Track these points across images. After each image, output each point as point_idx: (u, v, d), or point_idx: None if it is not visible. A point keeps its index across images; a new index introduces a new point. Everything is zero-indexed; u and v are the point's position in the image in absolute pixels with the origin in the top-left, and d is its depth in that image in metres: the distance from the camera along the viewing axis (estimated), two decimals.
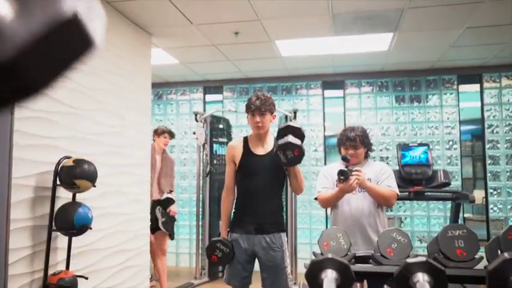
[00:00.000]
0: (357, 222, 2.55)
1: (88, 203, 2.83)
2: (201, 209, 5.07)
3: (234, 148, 2.67)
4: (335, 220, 2.68)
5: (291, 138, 2.35)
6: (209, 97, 6.03)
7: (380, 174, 2.63)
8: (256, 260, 2.59)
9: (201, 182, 5.10)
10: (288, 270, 2.58)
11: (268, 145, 2.64)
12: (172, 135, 4.49)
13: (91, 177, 2.48)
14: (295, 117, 4.74)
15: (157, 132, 4.34)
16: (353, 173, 2.44)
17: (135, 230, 3.55)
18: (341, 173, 2.42)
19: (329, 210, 3.03)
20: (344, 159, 2.58)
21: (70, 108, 2.76)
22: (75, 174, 2.41)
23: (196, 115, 5.02)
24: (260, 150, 2.63)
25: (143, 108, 3.77)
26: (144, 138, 3.79)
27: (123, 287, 3.32)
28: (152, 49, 4.23)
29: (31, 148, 2.42)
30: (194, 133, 5.06)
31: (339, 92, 5.59)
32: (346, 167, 2.50)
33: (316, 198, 2.69)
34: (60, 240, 2.61)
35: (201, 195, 5.09)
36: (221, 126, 5.41)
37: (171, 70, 5.30)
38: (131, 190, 3.51)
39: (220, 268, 4.63)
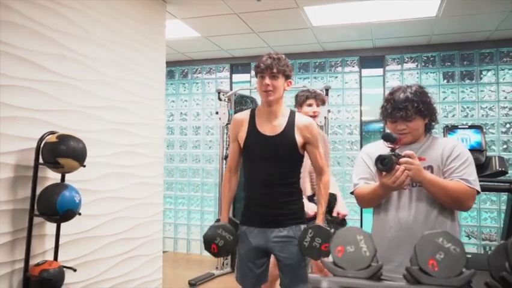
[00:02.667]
0: (407, 234, 1.69)
1: (85, 186, 2.54)
2: None
3: (239, 123, 2.22)
4: (376, 229, 1.86)
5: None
6: (236, 77, 5.63)
7: (448, 158, 1.72)
8: None
9: (224, 165, 4.73)
10: (309, 268, 2.17)
11: (280, 122, 2.15)
12: (322, 101, 3.15)
13: (78, 155, 2.14)
14: (327, 96, 4.25)
15: (299, 101, 3.09)
16: (401, 159, 1.62)
17: (144, 217, 3.23)
18: (380, 160, 1.63)
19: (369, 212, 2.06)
20: (387, 137, 1.69)
21: (62, 77, 2.43)
22: (58, 151, 2.08)
23: (219, 93, 4.65)
24: (269, 129, 2.15)
25: (155, 84, 3.42)
26: (157, 116, 3.44)
27: (128, 279, 3.02)
28: (170, 20, 3.88)
29: (11, 121, 2.11)
30: (217, 113, 4.69)
31: (378, 71, 5.01)
32: (392, 150, 1.68)
33: (352, 193, 1.92)
34: (50, 226, 2.32)
35: None
36: (247, 106, 4.99)
37: (194, 45, 4.93)
38: (140, 173, 3.18)
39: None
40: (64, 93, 2.45)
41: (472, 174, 1.68)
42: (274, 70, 2.06)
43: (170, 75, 5.78)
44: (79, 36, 2.57)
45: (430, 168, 1.73)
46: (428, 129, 1.84)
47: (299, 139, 2.12)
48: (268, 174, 2.12)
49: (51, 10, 2.37)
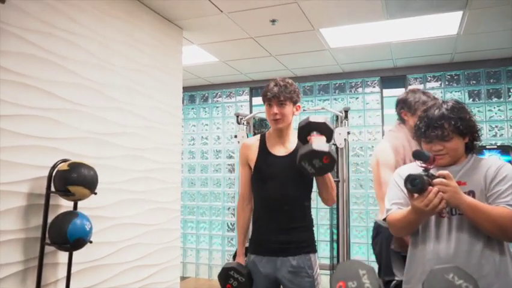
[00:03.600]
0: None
1: (98, 213, 2.54)
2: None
3: (249, 147, 2.19)
4: (412, 262, 1.67)
5: (315, 145, 1.79)
6: (256, 100, 5.63)
7: (493, 181, 1.53)
8: None
9: None
10: None
11: (291, 144, 2.12)
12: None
13: (89, 183, 2.14)
14: (346, 117, 4.16)
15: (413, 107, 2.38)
16: (435, 180, 1.46)
17: (160, 243, 3.20)
18: (410, 180, 1.46)
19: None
20: (419, 156, 1.51)
21: (74, 105, 2.47)
22: (69, 179, 2.09)
23: (238, 117, 4.63)
24: (280, 150, 2.12)
25: (172, 109, 3.44)
26: (173, 141, 3.44)
27: None
28: (188, 46, 3.94)
29: (24, 150, 2.14)
30: (235, 136, 4.67)
31: (400, 90, 4.89)
32: (425, 169, 1.51)
33: (385, 220, 1.74)
34: (62, 255, 2.31)
35: None
36: (267, 128, 4.95)
37: (213, 70, 4.97)
38: (155, 198, 3.17)
39: None
40: (78, 120, 2.48)
41: None
42: (282, 98, 2.03)
43: (191, 99, 5.84)
44: (92, 63, 2.62)
45: (472, 193, 1.54)
46: (469, 149, 1.64)
47: None
48: (278, 196, 2.05)
49: (63, 40, 2.42)
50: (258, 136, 2.23)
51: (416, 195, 1.47)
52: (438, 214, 1.57)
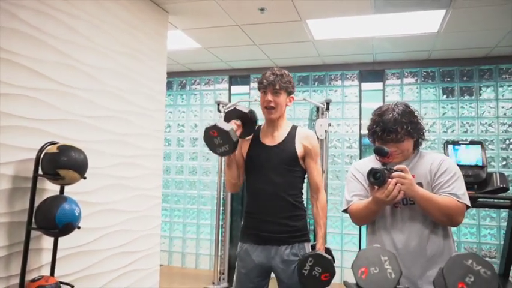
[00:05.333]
0: (400, 253, 1.66)
1: (83, 198, 2.47)
2: (221, 208, 4.63)
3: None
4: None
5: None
6: (235, 89, 5.60)
7: (436, 173, 1.72)
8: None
9: (222, 178, 4.67)
10: None
11: (281, 134, 2.16)
12: None
13: (79, 167, 2.08)
14: (327, 109, 4.23)
15: None
16: (394, 173, 1.61)
17: (142, 230, 3.15)
18: (372, 174, 1.61)
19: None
20: (379, 152, 1.68)
21: (61, 86, 2.37)
22: (59, 163, 2.02)
23: (218, 105, 4.61)
24: (269, 140, 2.15)
25: (156, 94, 3.37)
26: (157, 127, 3.38)
27: None
28: (171, 31, 3.85)
29: (10, 131, 2.04)
30: None
31: (378, 85, 5.01)
32: (383, 164, 1.67)
33: (345, 211, 1.87)
34: (46, 240, 2.24)
35: (222, 193, 4.66)
36: None
37: (194, 56, 4.90)
38: (139, 185, 3.11)
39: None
40: (64, 102, 2.39)
41: (460, 188, 1.68)
42: (277, 87, 2.06)
43: (168, 86, 5.72)
44: (81, 44, 2.52)
45: (420, 184, 1.71)
46: (416, 146, 1.83)
47: (299, 149, 2.11)
48: (269, 185, 2.08)
49: (53, 18, 2.32)
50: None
51: (377, 187, 1.62)
52: (393, 205, 1.73)
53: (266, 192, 2.09)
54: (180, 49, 4.55)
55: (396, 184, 1.59)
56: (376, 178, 1.60)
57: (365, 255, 1.05)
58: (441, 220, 1.67)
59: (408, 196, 1.66)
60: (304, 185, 2.25)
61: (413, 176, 1.67)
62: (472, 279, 0.96)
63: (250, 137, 2.20)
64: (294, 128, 2.19)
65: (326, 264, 1.88)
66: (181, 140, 5.67)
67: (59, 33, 2.35)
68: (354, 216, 1.83)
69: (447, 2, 3.19)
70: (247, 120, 2.09)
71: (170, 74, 5.58)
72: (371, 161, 1.84)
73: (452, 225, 1.74)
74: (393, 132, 1.72)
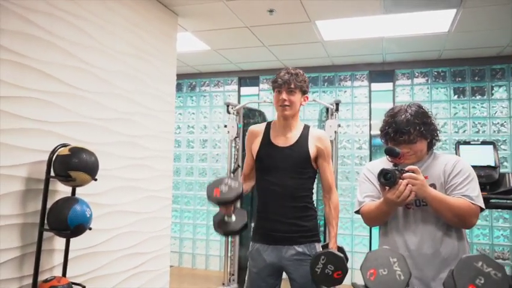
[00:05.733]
0: (412, 256, 1.67)
1: (94, 199, 2.49)
2: None
3: (254, 135, 2.21)
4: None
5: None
6: (244, 90, 5.61)
7: (450, 175, 1.69)
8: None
9: None
10: None
11: (294, 134, 2.14)
12: None
13: (90, 169, 2.10)
14: (337, 110, 4.21)
15: None
16: (405, 174, 1.59)
17: (152, 231, 3.17)
18: (383, 174, 1.59)
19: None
20: (390, 152, 1.66)
21: (71, 88, 2.40)
22: (70, 165, 2.04)
23: (228, 106, 4.61)
24: (282, 141, 2.14)
25: (166, 96, 3.39)
26: (167, 129, 3.40)
27: None
28: (181, 33, 3.87)
29: (23, 133, 2.08)
30: (225, 126, 4.65)
31: (388, 85, 4.98)
32: (394, 165, 1.65)
33: (358, 212, 1.87)
34: (58, 241, 2.27)
35: None
36: (255, 119, 4.96)
37: (203, 58, 4.92)
38: (149, 186, 3.14)
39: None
40: (74, 105, 2.41)
41: (474, 190, 1.64)
42: (292, 85, 2.05)
43: (178, 88, 5.73)
44: (91, 46, 2.55)
45: (433, 186, 1.69)
46: (430, 147, 1.80)
47: (312, 150, 2.11)
48: (280, 187, 2.08)
49: (64, 21, 2.35)
50: (264, 124, 2.25)
51: (388, 188, 1.60)
52: (405, 206, 1.71)
53: (277, 193, 2.09)
54: (190, 51, 4.57)
55: (407, 185, 1.56)
56: (387, 179, 1.58)
57: (374, 256, 1.04)
58: (454, 222, 1.64)
59: (419, 197, 1.63)
60: (315, 185, 2.25)
61: (426, 177, 1.66)
62: (482, 281, 0.95)
63: (261, 134, 2.19)
64: (306, 128, 2.17)
65: (338, 262, 1.87)
66: (190, 142, 5.69)
67: (69, 35, 2.38)
68: (366, 217, 1.83)
69: (457, 1, 3.16)
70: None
71: (180, 76, 5.63)
72: (384, 162, 1.82)
73: (466, 227, 1.71)
74: (406, 133, 1.69)
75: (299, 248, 2.04)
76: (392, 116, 1.77)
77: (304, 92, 2.12)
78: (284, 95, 2.06)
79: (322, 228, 4.04)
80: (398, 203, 1.59)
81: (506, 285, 0.95)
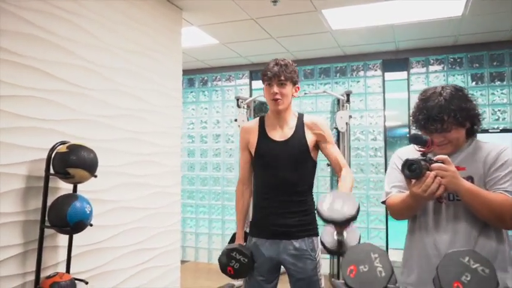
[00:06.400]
0: (441, 256, 1.31)
1: (98, 196, 2.51)
2: None
3: (249, 131, 2.16)
4: (409, 249, 1.64)
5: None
6: (256, 83, 5.56)
7: (492, 166, 1.48)
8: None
9: None
10: (322, 283, 2.05)
11: (289, 127, 2.09)
12: None
13: (88, 166, 2.10)
14: (348, 101, 4.12)
15: None
16: (433, 165, 1.39)
17: (161, 227, 3.18)
18: (408, 165, 1.39)
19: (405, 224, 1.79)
20: (416, 140, 1.45)
21: (74, 86, 2.41)
22: (69, 161, 2.04)
23: (238, 100, 4.59)
24: (278, 135, 2.09)
25: (171, 92, 3.37)
26: (173, 124, 3.39)
27: None
28: (187, 28, 3.85)
29: (23, 132, 2.09)
30: (236, 120, 4.62)
31: (402, 74, 4.83)
32: (423, 154, 1.45)
33: (384, 202, 1.71)
34: (62, 238, 2.28)
35: None
36: (267, 112, 4.90)
37: (213, 52, 4.89)
38: (156, 182, 3.13)
39: None
40: (77, 103, 2.42)
41: None
42: (282, 78, 2.00)
43: (190, 83, 5.77)
44: (91, 44, 2.55)
45: (470, 178, 1.48)
46: (469, 133, 1.56)
47: (310, 139, 2.06)
48: (279, 181, 2.04)
49: (64, 19, 2.35)
50: (257, 119, 2.20)
51: (413, 180, 1.41)
52: (437, 199, 1.52)
53: (276, 187, 2.05)
54: (198, 46, 4.55)
55: (435, 177, 1.36)
56: (412, 170, 1.38)
57: (354, 252, 0.99)
58: (490, 220, 1.44)
59: (451, 190, 1.43)
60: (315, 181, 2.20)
61: (463, 169, 1.47)
62: (468, 278, 0.88)
63: (256, 130, 2.14)
64: (300, 118, 2.12)
65: (348, 198, 1.49)
66: (204, 137, 5.69)
67: (69, 34, 2.38)
68: (391, 210, 1.67)
69: None
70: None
71: (191, 71, 5.65)
72: (415, 149, 1.56)
73: (506, 227, 1.49)
74: (438, 121, 1.47)
75: (297, 243, 2.00)
76: (423, 101, 1.55)
77: (294, 83, 2.07)
78: (275, 88, 2.01)
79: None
80: (425, 197, 1.40)
81: (494, 282, 0.88)
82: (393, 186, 1.65)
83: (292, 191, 2.02)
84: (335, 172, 2.14)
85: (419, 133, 1.49)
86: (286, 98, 2.03)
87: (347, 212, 1.34)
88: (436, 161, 1.41)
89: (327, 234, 1.49)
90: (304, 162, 2.05)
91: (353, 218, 1.35)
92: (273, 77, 2.01)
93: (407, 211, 1.58)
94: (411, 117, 1.63)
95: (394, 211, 1.65)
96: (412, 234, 1.63)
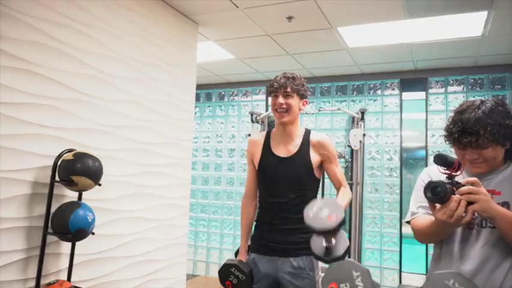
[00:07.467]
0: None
1: (104, 205, 2.53)
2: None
3: (254, 145, 2.14)
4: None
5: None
6: None
7: None
8: None
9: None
10: None
11: (294, 144, 2.04)
12: None
13: (92, 174, 2.12)
14: (362, 119, 4.07)
15: None
16: (461, 188, 1.25)
17: (167, 239, 3.17)
18: (431, 188, 1.26)
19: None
20: (440, 160, 1.30)
21: (84, 95, 2.45)
22: (73, 169, 2.07)
23: (252, 115, 4.59)
24: (282, 150, 2.05)
25: (184, 104, 3.40)
26: (184, 137, 3.41)
27: None
28: (203, 42, 3.91)
29: (30, 138, 2.13)
30: (249, 135, 4.62)
31: (420, 94, 4.75)
32: (449, 177, 1.30)
33: (409, 222, 1.56)
34: (66, 245, 2.30)
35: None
36: None
37: (230, 67, 4.93)
38: (164, 193, 3.14)
39: None
40: (87, 111, 2.47)
41: None
42: (288, 89, 1.97)
43: (207, 97, 5.83)
44: (104, 55, 2.60)
45: (506, 205, 1.33)
46: (509, 155, 1.41)
47: (315, 158, 2.02)
48: (281, 198, 2.00)
49: (78, 31, 2.41)
50: (264, 133, 2.17)
51: (438, 205, 1.27)
52: (467, 226, 1.37)
53: (277, 204, 2.02)
54: (215, 60, 4.60)
55: (460, 201, 1.22)
56: (435, 194, 1.24)
57: (336, 270, 0.95)
58: None
59: (484, 216, 1.28)
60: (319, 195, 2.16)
61: (499, 193, 1.34)
62: None
63: (261, 143, 2.12)
64: (307, 134, 2.08)
65: (333, 205, 1.50)
66: (219, 151, 5.70)
67: (82, 44, 2.44)
68: (416, 232, 1.52)
69: (488, 3, 2.97)
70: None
71: (209, 86, 5.71)
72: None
73: None
74: (473, 134, 1.31)
75: (294, 262, 1.95)
76: (459, 113, 1.39)
77: (302, 96, 2.03)
78: (281, 99, 1.98)
79: None
80: (452, 223, 1.25)
81: None
82: (420, 206, 1.50)
83: (293, 209, 1.97)
84: (335, 188, 2.12)
85: (445, 154, 1.33)
86: (291, 110, 1.99)
87: (328, 224, 1.33)
88: (464, 185, 1.26)
89: (315, 241, 1.49)
90: (306, 180, 2.01)
91: (333, 230, 1.34)
92: (279, 88, 1.99)
93: (432, 237, 1.47)
94: (444, 131, 1.47)
95: (418, 234, 1.51)
96: (437, 262, 1.49)
